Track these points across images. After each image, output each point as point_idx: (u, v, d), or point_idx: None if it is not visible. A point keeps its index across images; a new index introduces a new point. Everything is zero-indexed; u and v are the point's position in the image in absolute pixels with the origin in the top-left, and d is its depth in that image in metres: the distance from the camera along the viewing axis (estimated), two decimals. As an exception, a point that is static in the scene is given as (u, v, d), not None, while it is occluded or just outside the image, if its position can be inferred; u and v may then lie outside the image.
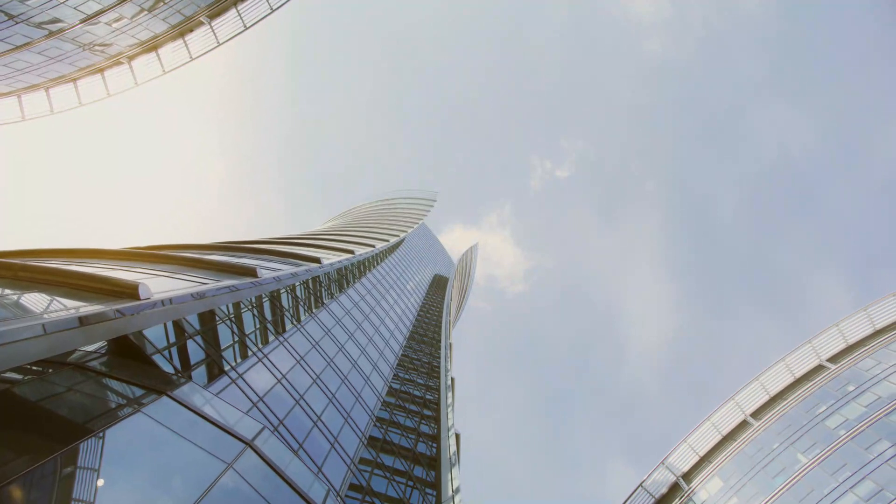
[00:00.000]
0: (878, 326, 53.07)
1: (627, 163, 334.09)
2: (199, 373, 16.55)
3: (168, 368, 14.46)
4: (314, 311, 29.84)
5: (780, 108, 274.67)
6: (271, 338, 23.40)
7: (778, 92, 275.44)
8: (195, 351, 17.07)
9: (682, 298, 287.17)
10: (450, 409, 26.21)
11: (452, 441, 22.04)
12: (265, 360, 21.22)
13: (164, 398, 11.99)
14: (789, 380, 54.39)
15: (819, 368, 53.73)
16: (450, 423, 24.23)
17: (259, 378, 19.72)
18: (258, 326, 23.02)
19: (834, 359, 53.41)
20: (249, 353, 20.51)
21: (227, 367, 18.22)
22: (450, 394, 28.02)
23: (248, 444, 11.64)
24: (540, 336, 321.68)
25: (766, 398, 54.39)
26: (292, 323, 26.59)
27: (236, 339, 20.44)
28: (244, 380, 18.70)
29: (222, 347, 19.15)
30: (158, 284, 15.51)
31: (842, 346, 53.92)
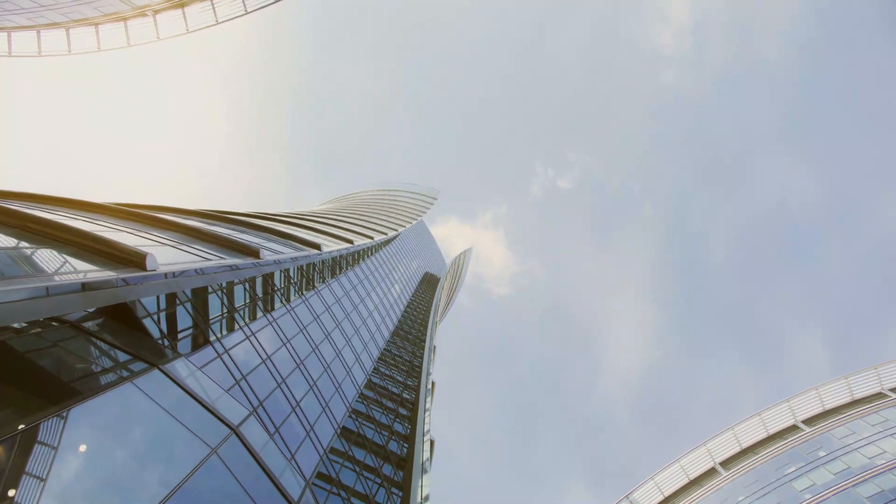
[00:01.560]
0: (857, 396, 53.73)
1: (630, 184, 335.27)
2: (186, 341, 16.53)
3: (156, 333, 14.46)
4: (305, 293, 29.84)
5: (786, 158, 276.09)
6: (260, 315, 23.39)
7: (787, 142, 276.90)
8: (184, 317, 17.05)
9: (662, 329, 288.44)
10: (427, 414, 26.28)
11: (427, 447, 22.11)
12: (252, 339, 21.22)
13: (156, 371, 12.03)
14: (762, 435, 54.90)
15: (793, 428, 54.23)
16: (426, 428, 24.30)
17: (245, 356, 19.72)
18: (248, 302, 23.00)
19: (809, 421, 53.96)
20: (237, 326, 20.49)
21: (213, 339, 18.19)
22: (429, 398, 28.08)
23: (234, 430, 11.69)
24: (518, 343, 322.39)
25: (737, 449, 54.91)
26: (282, 303, 26.59)
27: (225, 311, 20.44)
28: (230, 355, 18.69)
29: (211, 318, 19.13)
30: (164, 254, 15.55)
31: (818, 409, 54.51)
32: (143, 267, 12.34)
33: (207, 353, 17.14)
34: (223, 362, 17.85)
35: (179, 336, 16.17)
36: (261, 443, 13.77)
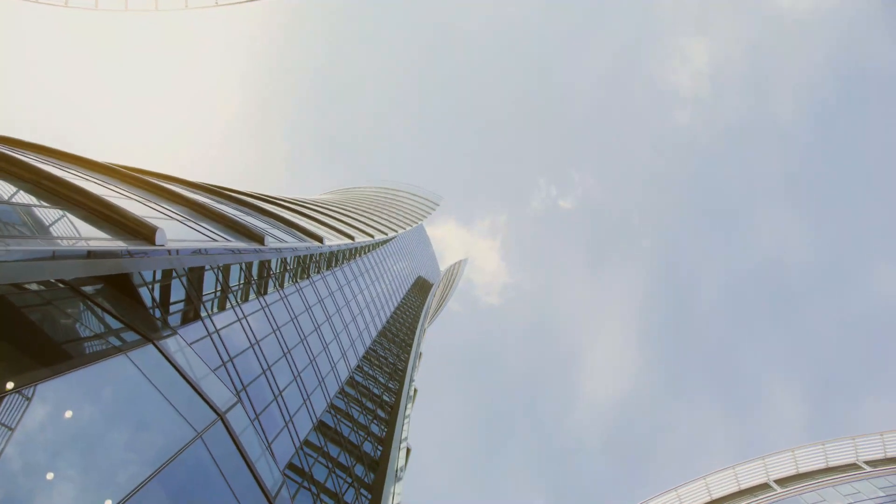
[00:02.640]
0: (831, 464, 53.86)
1: (630, 214, 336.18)
2: (179, 316, 16.46)
3: (150, 303, 14.40)
4: (299, 282, 29.79)
5: (787, 214, 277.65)
6: (252, 297, 23.32)
7: (790, 199, 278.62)
8: (178, 290, 16.98)
9: (643, 364, 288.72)
10: (406, 421, 26.22)
11: (403, 454, 22.05)
12: (243, 322, 21.15)
13: (150, 346, 11.98)
14: (734, 488, 54.98)
15: (765, 486, 54.26)
16: (403, 435, 24.25)
17: (234, 338, 19.65)
18: (242, 282, 22.94)
19: (782, 482, 54.04)
20: (229, 306, 20.41)
21: (205, 316, 18.11)
22: (410, 404, 28.02)
23: (221, 416, 11.64)
24: (499, 354, 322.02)
25: (707, 499, 54.98)
26: (276, 288, 26.54)
27: (219, 287, 20.35)
28: (220, 336, 18.62)
29: (205, 294, 19.08)
30: (172, 229, 15.53)
31: (792, 471, 54.60)
32: (151, 241, 12.32)
33: (199, 330, 17.08)
34: (212, 342, 17.78)
35: (173, 310, 16.11)
36: (242, 428, 13.72)
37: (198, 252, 14.85)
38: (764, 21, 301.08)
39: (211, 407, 11.61)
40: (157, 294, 15.32)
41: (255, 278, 24.41)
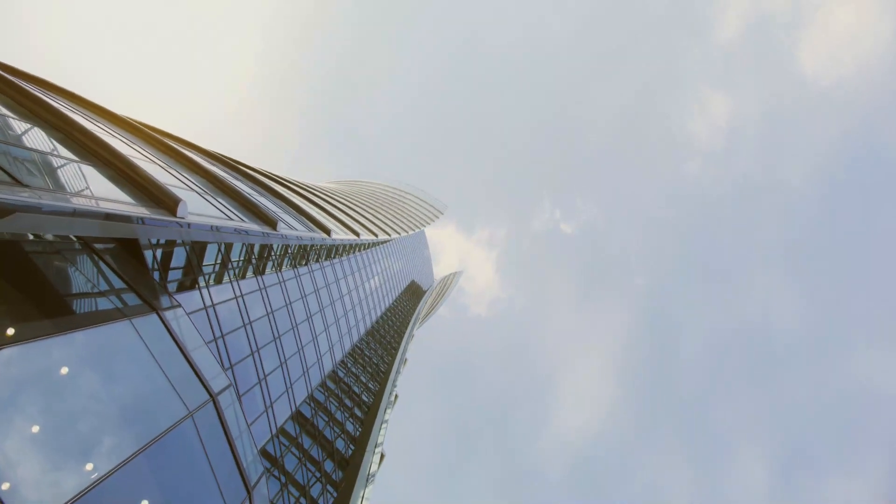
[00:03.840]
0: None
1: (628, 250, 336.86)
2: (178, 283, 16.42)
3: (151, 264, 14.34)
4: (298, 268, 29.76)
5: (780, 280, 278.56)
6: (250, 275, 23.27)
7: (786, 265, 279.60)
8: (179, 255, 16.94)
9: (615, 404, 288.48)
10: (384, 426, 26.16)
11: (376, 459, 22.00)
12: (239, 300, 21.12)
13: (154, 316, 11.97)
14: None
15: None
16: (379, 440, 24.19)
17: (229, 315, 19.61)
18: (243, 258, 22.89)
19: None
20: (226, 279, 20.36)
21: (203, 288, 18.08)
22: (389, 409, 27.96)
23: (213, 397, 11.63)
24: (477, 366, 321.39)
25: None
26: (275, 270, 26.50)
27: (220, 260, 20.30)
28: (215, 310, 18.58)
29: (205, 263, 19.03)
30: (191, 201, 15.54)
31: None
32: (173, 212, 12.33)
33: (196, 302, 17.06)
34: (207, 315, 17.76)
35: (175, 277, 16.06)
36: (226, 409, 13.68)
37: (215, 229, 14.86)
38: (787, 86, 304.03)
39: (205, 387, 11.60)
40: (159, 258, 15.29)
41: (256, 257, 24.38)
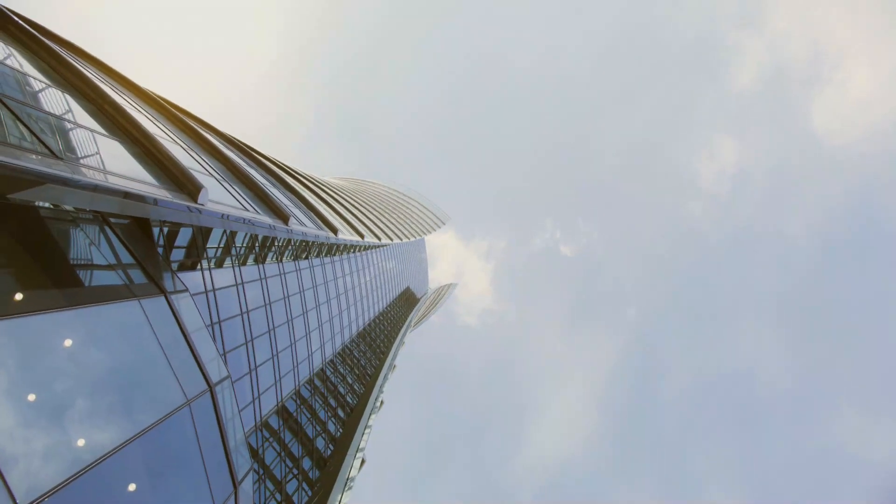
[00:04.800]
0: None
1: (623, 280, 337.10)
2: (184, 264, 16.42)
3: (158, 240, 14.31)
4: (299, 261, 29.76)
5: (770, 331, 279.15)
6: (251, 263, 23.26)
7: (776, 317, 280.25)
8: (185, 234, 16.93)
9: (592, 435, 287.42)
10: (368, 431, 26.12)
11: (357, 463, 21.96)
12: (239, 288, 21.11)
13: (162, 298, 11.96)
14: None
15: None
16: (361, 445, 24.14)
17: (227, 302, 19.60)
18: (246, 244, 22.89)
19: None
20: (227, 264, 20.35)
21: (206, 270, 18.04)
22: (374, 415, 27.93)
23: (211, 388, 11.62)
24: (459, 377, 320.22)
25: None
26: (276, 260, 26.49)
27: (223, 244, 20.29)
28: (215, 295, 18.57)
29: (208, 246, 19.03)
30: (210, 188, 15.57)
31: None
32: (195, 198, 12.39)
33: (197, 284, 17.06)
34: (207, 300, 17.75)
35: (179, 256, 16.04)
36: (224, 404, 13.65)
37: (219, 217, 14.87)
38: (797, 140, 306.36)
39: (204, 376, 11.60)
40: (166, 234, 15.27)
41: (259, 245, 24.39)
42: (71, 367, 8.37)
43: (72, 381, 8.23)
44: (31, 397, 7.32)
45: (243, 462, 12.61)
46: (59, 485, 6.84)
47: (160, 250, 14.15)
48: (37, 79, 12.05)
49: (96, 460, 7.67)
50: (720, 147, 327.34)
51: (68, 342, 8.55)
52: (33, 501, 6.42)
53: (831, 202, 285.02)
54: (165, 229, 14.89)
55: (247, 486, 12.18)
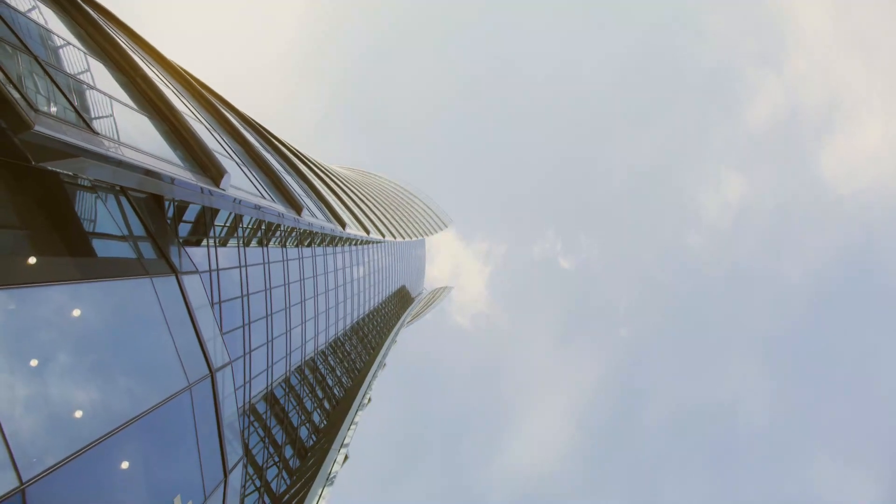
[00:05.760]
0: None
1: (619, 300, 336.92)
2: (191, 242, 16.39)
3: (170, 213, 14.27)
4: (301, 247, 29.77)
5: (756, 370, 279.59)
6: (255, 245, 23.23)
7: (764, 358, 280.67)
8: (194, 209, 16.92)
9: (569, 451, 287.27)
10: (353, 427, 26.13)
11: (341, 458, 21.96)
12: (242, 270, 21.11)
13: (173, 278, 11.98)
14: None
15: None
16: (346, 440, 24.15)
17: (229, 284, 19.57)
18: (252, 226, 22.86)
19: None
20: (231, 243, 20.31)
21: (210, 245, 17.95)
22: (360, 412, 27.94)
23: (212, 373, 11.64)
24: (443, 376, 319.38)
25: None
26: (280, 245, 26.47)
27: (230, 223, 20.26)
28: (218, 276, 18.55)
29: (215, 224, 19.02)
30: (230, 171, 15.59)
31: None
32: (217, 182, 12.42)
33: (202, 261, 17.05)
34: (210, 279, 17.74)
35: (186, 231, 15.98)
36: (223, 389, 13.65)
37: (231, 201, 14.89)
38: (804, 184, 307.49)
39: (207, 361, 11.63)
40: (176, 209, 15.24)
41: (265, 228, 24.39)
42: (79, 343, 8.39)
43: (79, 357, 8.25)
44: (34, 363, 7.32)
45: (235, 451, 12.63)
46: (60, 462, 6.87)
47: (170, 225, 14.15)
48: (75, 46, 12.06)
49: (98, 438, 7.69)
50: (727, 181, 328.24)
51: (79, 315, 8.56)
52: (34, 477, 6.45)
53: (830, 250, 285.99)
54: (176, 202, 14.91)
55: (236, 475, 12.20)
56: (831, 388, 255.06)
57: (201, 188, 12.32)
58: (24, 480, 6.23)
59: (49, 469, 6.64)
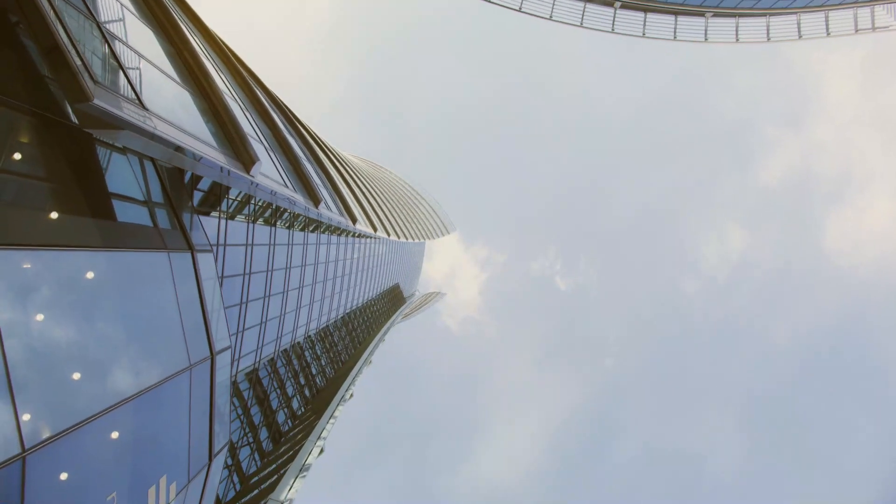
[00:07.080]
0: None
1: (608, 330, 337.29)
2: (204, 212, 16.36)
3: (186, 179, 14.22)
4: (307, 232, 29.81)
5: (734, 426, 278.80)
6: (262, 223, 23.22)
7: (744, 414, 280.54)
8: (204, 182, 16.90)
9: (533, 474, 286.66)
10: (333, 421, 26.16)
11: (316, 451, 21.99)
12: (248, 248, 21.11)
13: (188, 255, 11.99)
14: None
15: None
16: (323, 433, 24.19)
17: (233, 261, 19.54)
18: (261, 204, 22.83)
19: None
20: (238, 219, 20.29)
21: (221, 216, 17.93)
22: (342, 406, 27.97)
23: (213, 356, 11.67)
24: (421, 376, 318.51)
25: None
26: (287, 227, 26.47)
27: (241, 198, 20.24)
28: (225, 250, 18.51)
29: (228, 196, 18.97)
30: (260, 156, 15.63)
31: None
32: (248, 168, 12.48)
33: (212, 234, 17.02)
34: (216, 256, 17.74)
35: (199, 199, 15.93)
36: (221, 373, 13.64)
37: (248, 184, 14.85)
38: (805, 250, 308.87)
39: (209, 343, 11.65)
40: (192, 177, 15.18)
41: (274, 208, 24.39)
42: (92, 314, 8.39)
43: (90, 330, 8.26)
44: (51, 332, 7.35)
45: (223, 434, 12.66)
46: (60, 433, 6.90)
47: (187, 192, 14.16)
48: (130, 10, 12.11)
49: (99, 412, 7.72)
50: (729, 233, 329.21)
51: (94, 285, 8.54)
52: (36, 445, 6.49)
53: (821, 319, 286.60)
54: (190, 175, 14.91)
55: (220, 459, 12.23)
56: (801, 455, 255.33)
57: (229, 171, 12.35)
58: (26, 448, 6.27)
59: (49, 439, 6.67)
